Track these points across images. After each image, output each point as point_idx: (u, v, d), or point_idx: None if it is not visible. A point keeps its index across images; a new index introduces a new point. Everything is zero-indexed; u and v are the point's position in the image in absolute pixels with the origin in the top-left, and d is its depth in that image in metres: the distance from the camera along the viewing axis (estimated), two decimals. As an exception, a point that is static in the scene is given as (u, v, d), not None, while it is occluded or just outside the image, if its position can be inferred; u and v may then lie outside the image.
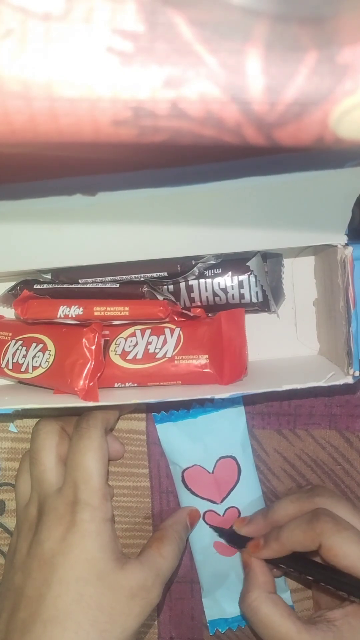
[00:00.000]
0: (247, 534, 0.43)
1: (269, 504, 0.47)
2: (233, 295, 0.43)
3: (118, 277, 0.41)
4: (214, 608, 0.47)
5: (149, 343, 0.41)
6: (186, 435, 0.46)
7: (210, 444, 0.46)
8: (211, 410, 0.46)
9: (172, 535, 0.42)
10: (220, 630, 0.46)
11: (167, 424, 0.47)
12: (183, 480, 0.46)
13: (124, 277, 0.41)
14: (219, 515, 0.46)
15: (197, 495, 0.46)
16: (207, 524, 0.46)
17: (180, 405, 0.46)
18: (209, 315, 0.43)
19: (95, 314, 0.39)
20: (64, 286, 0.42)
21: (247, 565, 0.42)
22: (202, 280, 0.43)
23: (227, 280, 0.42)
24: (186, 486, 0.46)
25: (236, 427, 0.46)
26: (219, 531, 0.45)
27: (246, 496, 0.46)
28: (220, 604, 0.46)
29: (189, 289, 0.43)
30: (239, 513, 0.46)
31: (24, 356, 0.42)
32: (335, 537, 0.37)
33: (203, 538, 0.46)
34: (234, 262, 0.42)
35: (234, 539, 0.44)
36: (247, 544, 0.42)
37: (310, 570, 0.39)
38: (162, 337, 0.41)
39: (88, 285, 0.41)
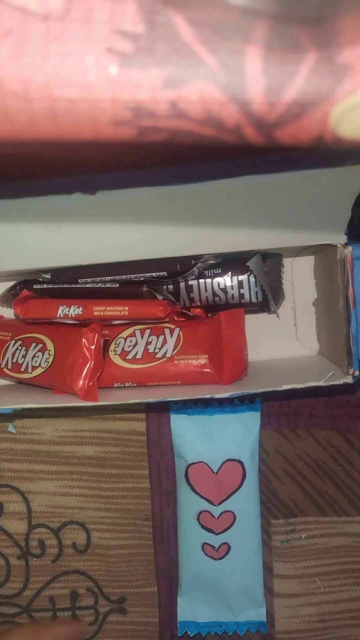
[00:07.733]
0: None
1: (264, 511, 0.47)
2: (233, 295, 0.43)
3: (118, 277, 0.41)
4: (187, 609, 0.46)
5: (148, 343, 0.41)
6: (198, 430, 0.46)
7: (220, 443, 0.46)
8: (228, 411, 0.46)
9: None
10: (189, 633, 0.45)
11: (181, 415, 0.46)
12: (186, 475, 0.46)
13: (123, 277, 0.41)
14: (213, 517, 0.46)
15: (196, 493, 0.46)
16: (201, 525, 0.46)
17: (199, 400, 0.46)
18: (209, 315, 0.43)
19: (95, 313, 0.39)
20: (64, 286, 0.42)
21: None
22: (201, 280, 0.43)
23: (226, 280, 0.42)
24: (188, 481, 0.46)
25: (249, 432, 0.46)
26: None
27: (245, 503, 0.46)
28: (194, 606, 0.46)
29: (189, 288, 0.43)
30: (234, 518, 0.46)
31: (24, 356, 0.42)
32: None
33: (193, 536, 0.46)
34: (234, 262, 0.42)
35: None
36: None
37: None
38: (161, 337, 0.41)
39: (88, 285, 0.41)
